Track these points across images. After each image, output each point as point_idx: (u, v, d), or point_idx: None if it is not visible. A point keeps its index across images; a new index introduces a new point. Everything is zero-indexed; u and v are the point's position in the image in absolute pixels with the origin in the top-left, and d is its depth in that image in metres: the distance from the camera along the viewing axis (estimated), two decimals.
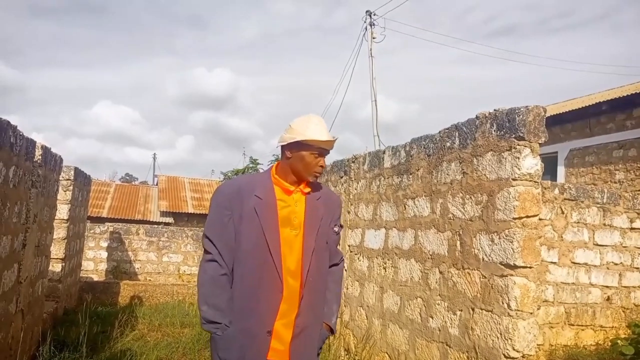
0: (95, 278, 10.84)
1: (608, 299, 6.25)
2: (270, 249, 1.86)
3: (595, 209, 5.81)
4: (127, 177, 52.97)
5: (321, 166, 1.97)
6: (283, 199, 1.96)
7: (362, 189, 4.96)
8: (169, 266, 11.95)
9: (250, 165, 14.82)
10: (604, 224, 6.25)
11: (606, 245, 6.32)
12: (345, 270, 5.14)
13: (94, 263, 11.65)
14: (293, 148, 1.94)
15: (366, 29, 16.96)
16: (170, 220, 20.57)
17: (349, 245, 5.15)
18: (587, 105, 11.41)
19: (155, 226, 12.90)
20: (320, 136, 1.93)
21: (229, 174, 14.79)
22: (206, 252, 1.93)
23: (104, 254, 11.73)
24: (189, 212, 21.41)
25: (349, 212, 5.23)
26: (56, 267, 6.83)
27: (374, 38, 16.89)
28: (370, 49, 16.96)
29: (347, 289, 5.06)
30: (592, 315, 5.91)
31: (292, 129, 1.96)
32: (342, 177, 5.52)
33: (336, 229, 2.08)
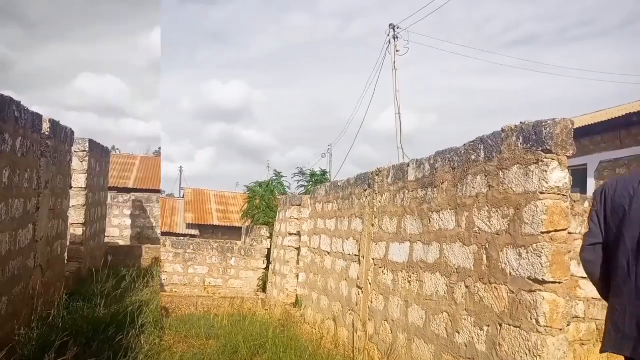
0: (121, 243, 11.28)
1: None
2: None
3: None
4: (160, 151, 54.36)
5: None
6: None
7: (386, 202, 4.95)
8: (194, 278, 12.10)
9: (274, 177, 14.94)
10: None
11: None
12: (370, 283, 5.12)
13: (119, 229, 12.18)
14: None
15: (389, 42, 17.01)
16: (196, 232, 20.89)
17: (373, 259, 5.13)
18: (616, 116, 11.14)
19: (182, 238, 13.16)
20: None
21: (252, 187, 15.01)
22: None
23: (128, 221, 12.25)
24: (215, 224, 21.72)
25: (373, 225, 5.22)
26: (77, 231, 7.47)
27: (397, 51, 16.92)
28: (394, 62, 16.98)
29: (372, 302, 5.03)
30: None
31: None
32: (365, 190, 5.52)
33: None
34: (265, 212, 13.42)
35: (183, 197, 26.74)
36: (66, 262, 6.66)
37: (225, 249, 12.48)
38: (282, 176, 15.03)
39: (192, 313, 9.04)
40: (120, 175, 21.24)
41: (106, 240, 10.07)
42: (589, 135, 12.30)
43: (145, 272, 7.37)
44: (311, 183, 13.44)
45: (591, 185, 12.73)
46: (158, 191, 18.22)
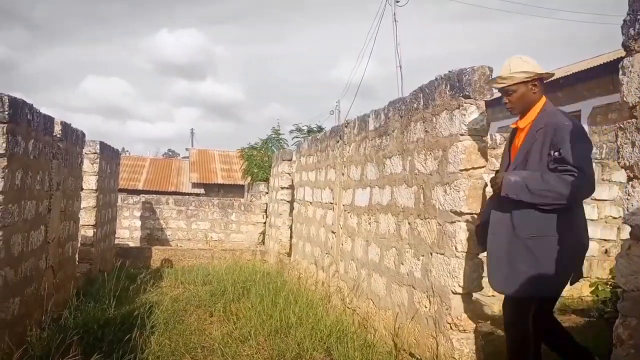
0: (131, 245, 11.73)
1: (606, 251, 6.37)
2: None
3: (593, 164, 5.80)
4: (170, 153, 54.91)
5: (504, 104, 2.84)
6: None
7: (353, 152, 5.27)
8: (197, 233, 12.72)
9: (273, 135, 15.28)
10: (603, 179, 6.32)
11: (605, 200, 6.40)
12: (341, 227, 5.52)
13: (129, 231, 12.58)
14: None
15: None
16: (201, 191, 21.49)
17: (343, 205, 5.51)
18: (611, 60, 10.98)
19: (187, 197, 13.69)
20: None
21: (246, 149, 15.52)
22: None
23: (138, 223, 12.62)
24: (219, 182, 22.31)
25: (343, 174, 5.57)
26: (88, 232, 7.59)
27: (397, 1, 16.68)
28: (394, 14, 16.77)
29: (342, 244, 5.45)
30: (588, 267, 6.01)
31: None
32: (338, 142, 5.84)
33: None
34: (264, 168, 13.86)
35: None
36: (77, 263, 6.72)
37: (225, 205, 13.02)
38: (280, 134, 15.39)
39: (193, 264, 9.64)
40: (130, 177, 21.82)
41: (116, 241, 10.18)
42: (583, 81, 12.21)
43: (155, 273, 7.53)
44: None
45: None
46: (168, 192, 18.89)
